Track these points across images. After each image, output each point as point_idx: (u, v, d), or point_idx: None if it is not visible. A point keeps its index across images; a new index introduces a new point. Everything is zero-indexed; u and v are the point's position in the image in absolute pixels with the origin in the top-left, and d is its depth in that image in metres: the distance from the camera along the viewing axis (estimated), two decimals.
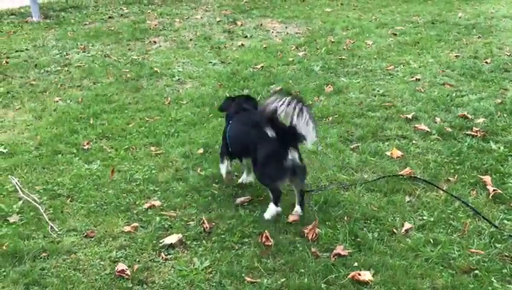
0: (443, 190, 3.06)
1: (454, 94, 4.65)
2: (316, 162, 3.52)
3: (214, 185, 3.30)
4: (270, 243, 2.64)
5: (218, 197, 3.16)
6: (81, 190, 3.27)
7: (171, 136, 4.05)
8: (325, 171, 3.41)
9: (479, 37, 6.86)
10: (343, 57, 6.00)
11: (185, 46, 6.77)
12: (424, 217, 2.84)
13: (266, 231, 2.71)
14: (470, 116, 4.12)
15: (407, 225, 2.76)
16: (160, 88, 5.17)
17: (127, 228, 2.84)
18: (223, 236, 2.75)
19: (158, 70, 5.65)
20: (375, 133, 3.91)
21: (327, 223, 2.81)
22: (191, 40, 7.11)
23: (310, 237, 2.68)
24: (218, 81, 5.28)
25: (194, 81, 5.39)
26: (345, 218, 2.85)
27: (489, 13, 8.34)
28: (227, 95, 4.64)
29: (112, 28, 7.62)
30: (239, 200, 3.10)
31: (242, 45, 6.79)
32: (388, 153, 3.58)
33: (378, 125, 4.05)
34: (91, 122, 4.34)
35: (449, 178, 3.22)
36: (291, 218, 2.87)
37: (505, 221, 2.78)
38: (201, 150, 3.76)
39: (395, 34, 7.07)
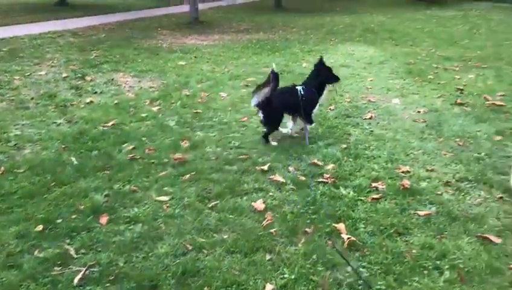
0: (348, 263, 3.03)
1: (304, 142, 4.83)
2: (174, 227, 3.29)
3: (55, 268, 2.86)
4: None
5: (59, 283, 2.72)
6: None
7: (2, 213, 3.47)
8: (183, 235, 3.19)
9: None
10: (199, 111, 5.95)
11: (24, 106, 6.12)
12: (285, 275, 2.75)
13: None
14: (320, 163, 4.28)
15: (268, 287, 2.64)
16: None
17: None
18: None
19: None
20: (233, 188, 3.82)
21: None
22: (32, 98, 6.48)
23: None
24: (62, 144, 4.80)
25: (34, 145, 4.82)
26: (205, 289, 2.64)
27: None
28: (73, 158, 4.22)
29: None
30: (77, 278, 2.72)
31: (91, 101, 6.37)
32: (247, 208, 3.50)
33: (235, 179, 3.98)
34: None
35: (306, 229, 3.22)
36: None
37: (361, 268, 2.83)
38: (40, 227, 3.27)
39: (247, 86, 7.28)
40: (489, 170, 4.11)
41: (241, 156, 4.47)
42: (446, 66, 8.70)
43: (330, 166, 4.23)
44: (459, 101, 6.33)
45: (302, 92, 4.72)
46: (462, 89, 6.98)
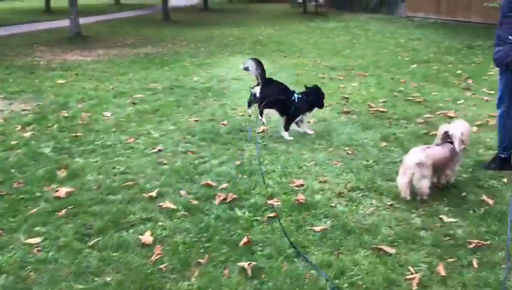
0: None
1: (197, 161, 4.58)
2: (46, 274, 2.83)
3: None
4: None
5: None
6: None
7: None
8: (58, 283, 2.75)
9: (215, 99, 7.22)
10: (79, 134, 5.42)
11: None
12: None
13: None
14: (214, 184, 4.06)
15: None
16: None
17: None
18: None
19: None
20: (117, 221, 3.44)
21: None
22: None
23: None
24: None
25: None
26: None
27: (221, 76, 9.01)
28: None
29: None
30: None
31: None
32: (133, 243, 3.15)
33: (120, 210, 3.60)
34: None
35: (199, 260, 2.96)
36: None
37: None
38: None
39: (134, 103, 6.87)
40: (378, 177, 4.19)
41: (127, 183, 4.08)
42: (332, 76, 9.01)
43: (224, 185, 4.02)
44: (345, 109, 6.52)
45: (296, 98, 5.25)
46: (347, 98, 7.23)
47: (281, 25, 19.80)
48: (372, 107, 6.64)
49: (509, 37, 3.91)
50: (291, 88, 5.44)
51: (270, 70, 9.48)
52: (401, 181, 3.70)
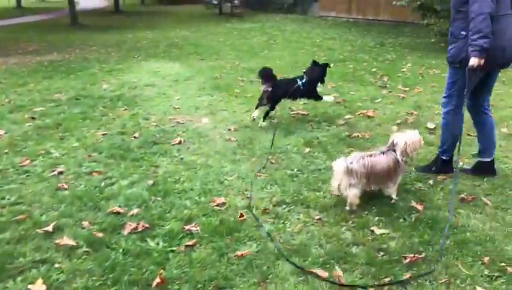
0: None
1: (103, 183, 4.04)
2: None
3: None
4: None
5: None
6: None
7: None
8: None
9: (126, 109, 6.64)
10: None
11: None
12: None
13: None
14: (123, 210, 3.56)
15: None
16: None
17: None
18: None
19: None
20: (3, 267, 2.85)
21: None
22: None
23: None
24: None
25: None
26: None
27: (133, 83, 8.40)
28: None
29: None
30: None
31: None
32: None
33: (6, 253, 3.00)
34: None
35: None
36: None
37: None
38: None
39: (34, 118, 6.11)
40: (304, 188, 3.92)
41: (18, 217, 3.46)
42: (251, 78, 8.73)
43: (135, 211, 3.54)
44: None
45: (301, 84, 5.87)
46: None
47: (197, 27, 19.31)
48: (293, 110, 6.43)
49: (462, 32, 3.69)
50: (292, 77, 6.21)
51: (187, 75, 9.07)
52: (334, 184, 3.48)
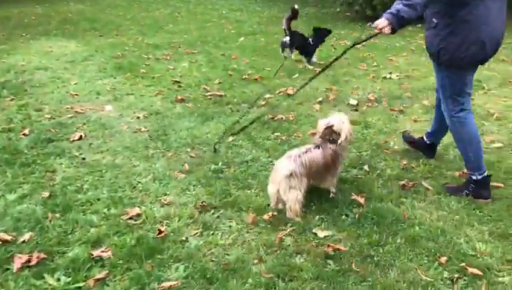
0: None
1: None
2: None
3: None
4: None
5: None
6: None
7: None
8: None
9: (12, 98, 5.64)
10: None
11: None
12: None
13: None
14: (10, 237, 2.82)
15: None
16: None
17: None
18: None
19: None
20: None
21: None
22: None
23: None
24: None
25: None
26: None
27: (20, 66, 7.26)
28: None
29: None
30: None
31: None
32: None
33: None
34: None
35: None
36: None
37: None
38: None
39: None
40: (233, 186, 3.45)
41: None
42: (157, 56, 7.98)
43: (27, 236, 2.83)
44: (179, 97, 5.63)
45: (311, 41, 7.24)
46: (179, 82, 6.33)
47: (93, 0, 17.68)
48: (208, 91, 5.87)
49: (434, 19, 2.98)
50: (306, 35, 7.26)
51: (84, 54, 8.06)
52: (271, 190, 3.01)
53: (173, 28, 11.06)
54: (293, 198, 2.91)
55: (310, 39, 7.23)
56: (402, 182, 3.40)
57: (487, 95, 5.55)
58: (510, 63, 6.99)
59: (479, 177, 3.13)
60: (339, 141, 3.13)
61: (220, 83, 6.29)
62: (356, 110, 5.19)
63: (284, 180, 2.91)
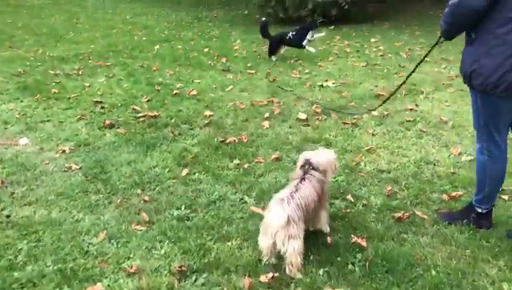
0: None
1: None
2: None
3: None
4: None
5: None
6: None
7: None
8: None
9: None
10: None
11: None
12: None
13: None
14: None
15: None
16: None
17: None
18: None
19: None
20: None
21: None
22: None
23: None
24: None
25: None
26: None
27: None
28: None
29: None
30: None
31: None
32: None
33: None
34: None
35: None
36: None
37: None
38: None
39: None
40: (208, 238, 2.89)
41: None
42: (66, 71, 7.02)
43: None
44: (107, 121, 4.87)
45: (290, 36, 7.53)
46: (101, 102, 5.54)
47: None
48: (138, 112, 5.18)
49: (472, 34, 2.55)
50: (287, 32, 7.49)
51: None
52: (264, 244, 2.52)
53: (76, 37, 9.95)
54: (294, 250, 2.46)
55: (290, 34, 7.54)
56: (397, 215, 3.08)
57: (429, 100, 5.52)
58: (434, 64, 7.14)
59: (485, 211, 2.91)
60: (329, 173, 2.79)
61: (148, 100, 5.62)
62: (308, 124, 4.86)
63: (281, 231, 2.44)
